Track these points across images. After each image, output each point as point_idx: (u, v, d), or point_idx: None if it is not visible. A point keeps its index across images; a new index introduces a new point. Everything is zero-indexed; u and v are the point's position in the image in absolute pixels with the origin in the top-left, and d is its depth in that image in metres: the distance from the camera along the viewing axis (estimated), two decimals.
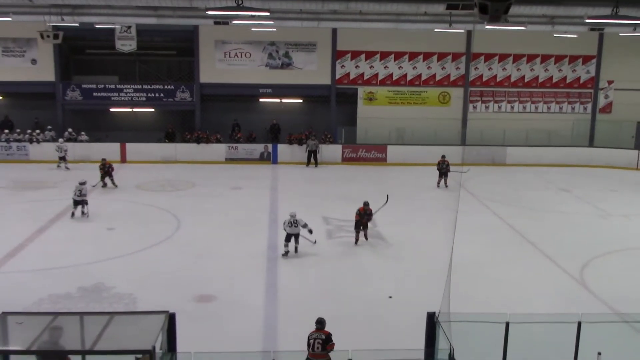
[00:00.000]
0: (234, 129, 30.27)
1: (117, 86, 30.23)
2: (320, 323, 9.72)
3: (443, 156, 24.99)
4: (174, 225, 18.65)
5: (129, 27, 28.38)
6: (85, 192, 19.47)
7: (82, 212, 19.33)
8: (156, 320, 8.65)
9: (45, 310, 11.59)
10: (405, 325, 11.65)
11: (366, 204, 17.45)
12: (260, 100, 31.44)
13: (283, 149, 29.50)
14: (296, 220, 16.07)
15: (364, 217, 17.31)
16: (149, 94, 30.27)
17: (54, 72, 29.75)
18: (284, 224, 16.21)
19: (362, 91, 31.30)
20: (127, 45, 28.80)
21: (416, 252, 16.49)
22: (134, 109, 30.75)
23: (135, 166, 27.70)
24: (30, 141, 28.33)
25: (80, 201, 19.32)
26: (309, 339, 9.49)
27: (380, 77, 31.20)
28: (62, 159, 26.92)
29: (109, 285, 13.69)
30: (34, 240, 17.09)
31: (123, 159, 28.43)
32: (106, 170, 23.34)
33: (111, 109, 30.71)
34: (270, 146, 29.52)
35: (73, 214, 19.27)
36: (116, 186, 23.45)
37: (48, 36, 23.61)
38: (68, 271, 14.71)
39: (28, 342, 7.99)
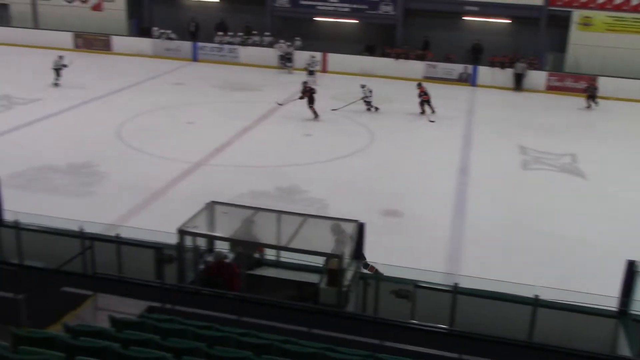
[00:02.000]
0: (425, 46, 29.59)
1: None
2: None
3: (593, 80, 26.00)
4: (368, 139, 18.96)
5: None
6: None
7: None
8: (347, 228, 8.98)
9: (245, 204, 12.50)
10: (594, 268, 11.07)
11: (419, 84, 22.64)
12: (464, 18, 30.24)
13: (484, 72, 28.37)
14: (370, 90, 21.94)
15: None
16: (353, 5, 30.34)
17: None
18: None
19: (577, 15, 28.85)
20: None
21: (617, 194, 15.33)
22: (338, 20, 31.08)
23: (335, 76, 28.29)
24: (242, 44, 29.91)
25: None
26: None
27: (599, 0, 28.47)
28: (289, 60, 28.67)
29: (304, 189, 14.41)
30: (239, 138, 18.35)
31: (324, 69, 29.13)
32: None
33: (315, 18, 31.29)
34: (470, 67, 28.55)
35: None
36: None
37: None
38: (267, 170, 15.69)
39: (231, 231, 8.72)
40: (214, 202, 9.36)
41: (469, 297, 8.26)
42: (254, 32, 30.35)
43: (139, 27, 32.17)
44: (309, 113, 20.71)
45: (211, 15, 31.69)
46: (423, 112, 22.14)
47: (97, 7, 32.39)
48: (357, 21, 31.06)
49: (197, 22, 31.45)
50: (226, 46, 30.00)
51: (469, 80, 28.43)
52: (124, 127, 18.77)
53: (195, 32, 31.40)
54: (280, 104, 20.93)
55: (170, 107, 21.36)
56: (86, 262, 9.04)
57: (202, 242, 8.88)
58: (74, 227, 9.57)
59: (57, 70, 23.36)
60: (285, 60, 28.80)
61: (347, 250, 8.46)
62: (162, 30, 30.48)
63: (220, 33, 30.39)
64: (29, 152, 16.26)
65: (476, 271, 10.21)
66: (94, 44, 31.02)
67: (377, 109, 22.19)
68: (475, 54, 29.43)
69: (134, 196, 13.81)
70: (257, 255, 9.31)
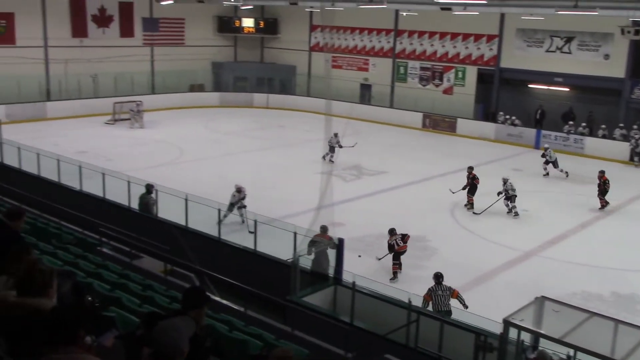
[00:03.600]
0: None
1: None
2: (390, 232, 14.35)
3: None
4: None
5: None
6: None
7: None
8: None
9: (576, 305, 11.69)
10: None
11: (602, 172, 19.76)
12: None
13: None
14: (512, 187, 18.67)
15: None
16: None
17: (625, 69, 29.08)
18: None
19: None
20: None
21: None
22: None
23: None
24: (588, 135, 28.58)
25: None
26: (395, 240, 14.11)
27: None
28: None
29: None
30: (575, 233, 17.37)
31: None
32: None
33: None
34: None
35: None
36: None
37: (629, 32, 23.18)
38: (604, 272, 14.51)
39: (560, 332, 8.21)
40: (544, 298, 8.97)
41: None
42: (621, 125, 28.60)
43: (485, 111, 32.98)
44: None
45: (559, 104, 31.01)
46: (603, 206, 19.65)
47: (448, 91, 34.21)
48: None
49: (543, 109, 31.03)
50: (572, 136, 28.94)
51: None
52: (459, 206, 19.21)
53: (541, 119, 30.98)
54: (453, 192, 19.26)
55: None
56: (409, 334, 9.35)
57: (526, 337, 8.53)
58: (402, 297, 10.03)
59: (332, 147, 23.80)
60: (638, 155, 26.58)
61: None
62: (507, 116, 30.74)
63: (571, 122, 29.38)
64: (371, 219, 17.61)
65: None
66: (440, 124, 32.68)
67: (513, 211, 18.51)
68: None
69: (460, 276, 13.92)
70: None
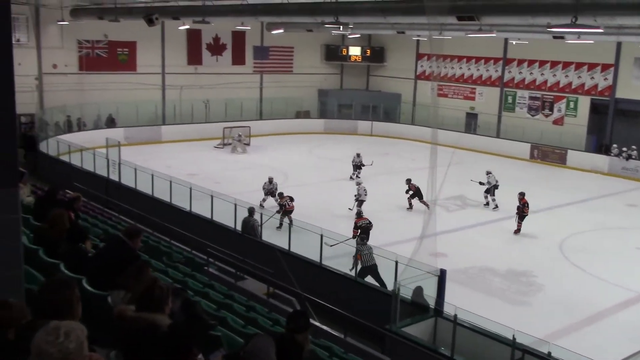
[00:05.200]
0: None
1: None
2: (280, 195, 18.03)
3: None
4: None
5: None
6: None
7: None
8: None
9: None
10: None
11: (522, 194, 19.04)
12: None
13: None
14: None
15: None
16: None
17: None
18: None
19: None
20: None
21: None
22: None
23: None
24: None
25: None
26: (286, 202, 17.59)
27: None
28: None
29: None
30: None
31: None
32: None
33: None
34: None
35: None
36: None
37: None
38: None
39: None
40: None
41: None
42: None
43: (598, 143, 31.59)
44: None
45: None
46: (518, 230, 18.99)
47: (558, 121, 33.09)
48: None
49: None
50: None
51: None
52: (567, 242, 18.47)
53: None
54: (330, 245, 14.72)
55: (618, 229, 20.24)
56: None
57: None
58: (505, 334, 9.74)
59: (356, 166, 25.57)
60: None
61: None
62: (624, 149, 29.30)
63: None
64: (473, 251, 17.25)
65: None
66: (550, 156, 31.60)
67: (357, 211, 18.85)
68: None
69: (568, 315, 13.41)
70: None
